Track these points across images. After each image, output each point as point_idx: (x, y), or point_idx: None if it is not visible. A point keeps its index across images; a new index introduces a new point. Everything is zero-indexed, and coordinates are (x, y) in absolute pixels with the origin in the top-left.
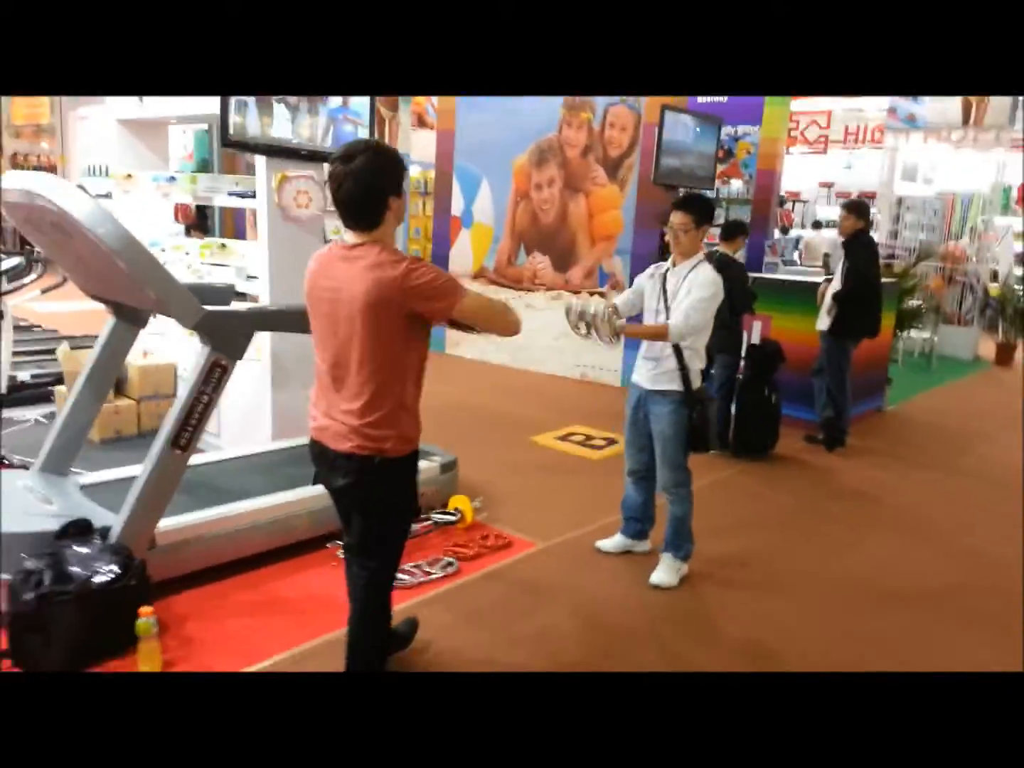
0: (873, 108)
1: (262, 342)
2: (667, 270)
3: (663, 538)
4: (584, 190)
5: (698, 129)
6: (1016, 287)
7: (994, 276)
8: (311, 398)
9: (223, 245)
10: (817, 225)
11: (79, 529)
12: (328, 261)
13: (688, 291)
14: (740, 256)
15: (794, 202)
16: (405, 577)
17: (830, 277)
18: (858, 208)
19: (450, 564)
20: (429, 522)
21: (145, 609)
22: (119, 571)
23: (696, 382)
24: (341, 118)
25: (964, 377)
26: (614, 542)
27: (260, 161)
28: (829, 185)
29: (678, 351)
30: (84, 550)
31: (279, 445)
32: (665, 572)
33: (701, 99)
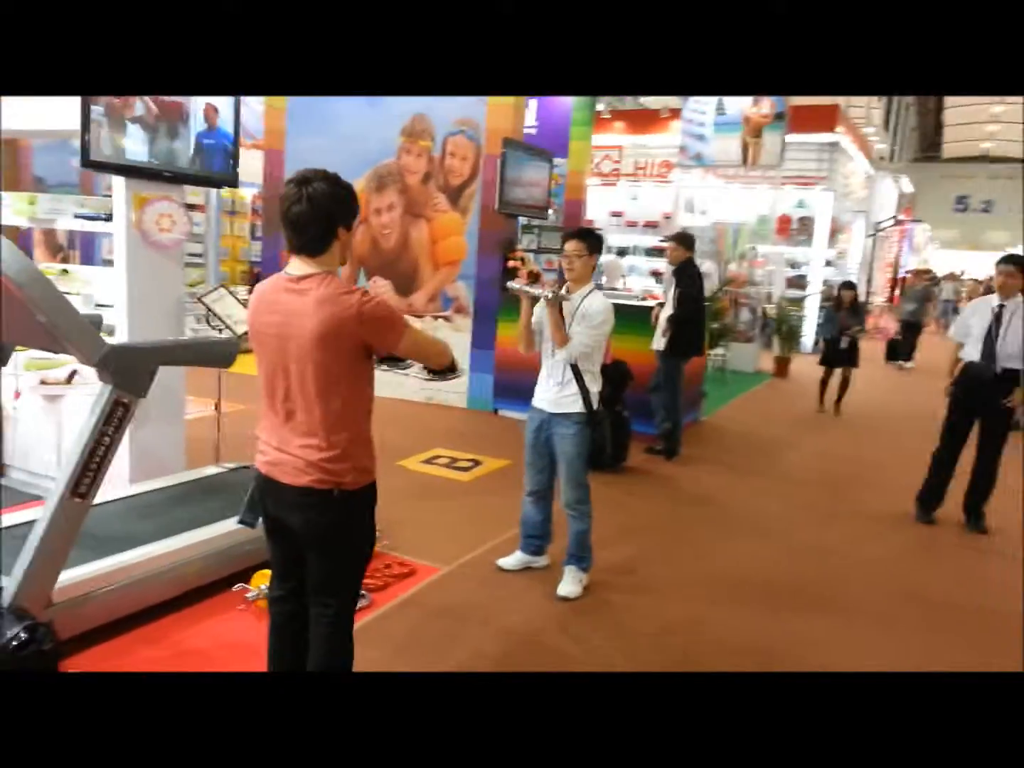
0: (656, 144)
1: None
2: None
3: (564, 552)
4: (426, 216)
5: (534, 161)
6: (789, 308)
7: (768, 298)
8: (260, 432)
9: (64, 271)
10: (622, 253)
11: None
12: (272, 294)
13: (583, 317)
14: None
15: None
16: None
17: (662, 302)
18: (684, 239)
19: (363, 596)
20: None
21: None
22: (26, 636)
23: (595, 403)
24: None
25: (753, 388)
26: (515, 559)
27: (118, 182)
28: (619, 214)
29: (578, 375)
30: None
31: (152, 486)
32: (571, 584)
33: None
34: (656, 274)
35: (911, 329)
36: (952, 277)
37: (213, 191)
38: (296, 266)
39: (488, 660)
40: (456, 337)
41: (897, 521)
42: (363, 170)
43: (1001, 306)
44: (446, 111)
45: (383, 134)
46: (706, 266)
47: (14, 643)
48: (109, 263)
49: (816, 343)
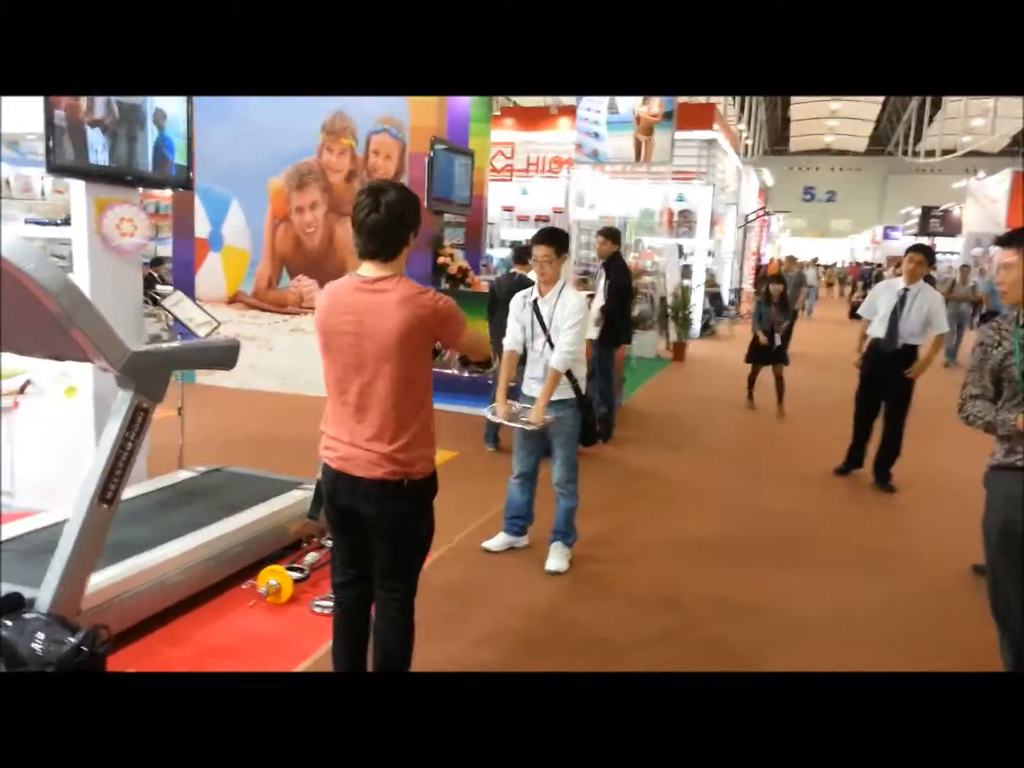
0: (546, 141)
1: (79, 379)
2: (536, 299)
3: (551, 530)
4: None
5: (459, 159)
6: (684, 296)
7: (664, 287)
8: (326, 429)
9: None
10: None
11: (6, 605)
12: (347, 295)
13: (563, 319)
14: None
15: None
16: (329, 603)
17: (592, 293)
18: (612, 234)
19: None
20: (325, 549)
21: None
22: (78, 642)
23: (583, 387)
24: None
25: (658, 373)
26: (499, 541)
27: (78, 187)
28: (510, 209)
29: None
30: (24, 626)
31: (132, 493)
32: (559, 559)
33: None
34: None
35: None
36: (813, 264)
37: None
38: (369, 269)
39: (511, 633)
40: None
41: (819, 481)
42: (280, 166)
43: (906, 289)
44: (367, 108)
45: (300, 128)
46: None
47: (76, 650)
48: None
49: (751, 346)
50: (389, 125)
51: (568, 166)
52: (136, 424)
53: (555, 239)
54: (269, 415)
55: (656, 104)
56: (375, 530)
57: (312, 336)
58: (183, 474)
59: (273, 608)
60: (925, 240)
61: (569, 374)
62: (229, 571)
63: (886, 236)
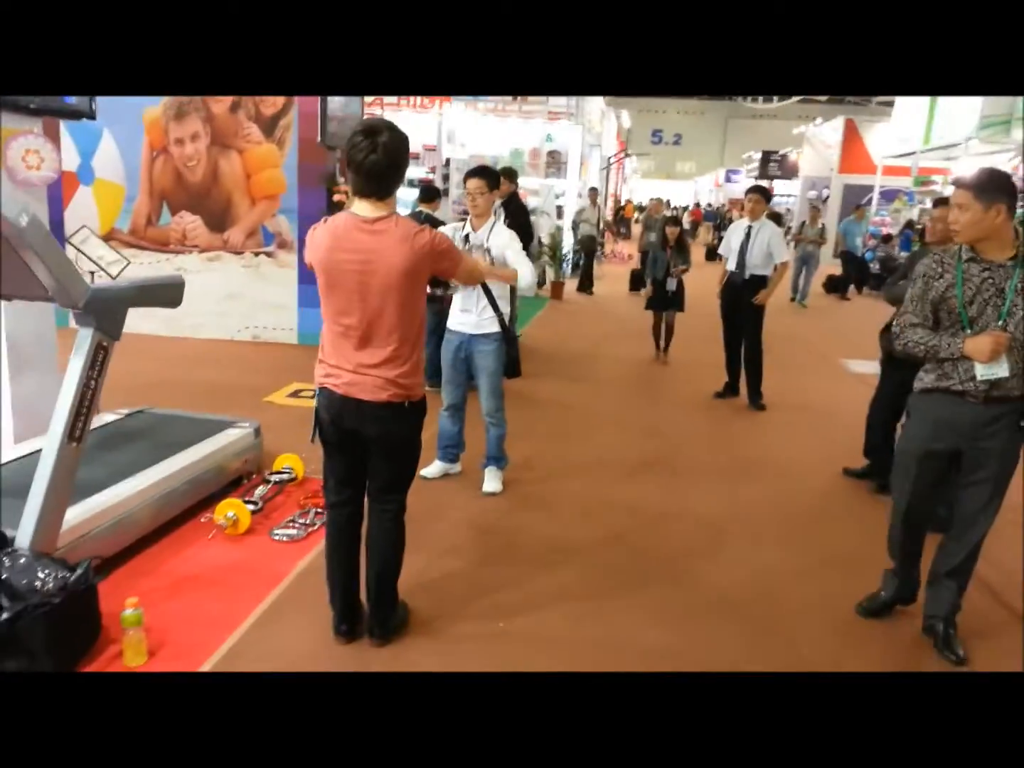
0: None
1: None
2: (467, 234)
3: (484, 455)
4: (237, 148)
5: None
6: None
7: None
8: (326, 359)
9: None
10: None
11: None
12: (348, 233)
13: (502, 247)
14: (439, 215)
15: None
16: (292, 531)
17: None
18: (510, 174)
19: (320, 513)
20: (271, 484)
21: (131, 600)
22: (68, 574)
23: (507, 323)
24: None
25: (540, 311)
26: (436, 468)
27: None
28: None
29: (492, 300)
30: (15, 562)
31: None
32: (495, 481)
33: None
34: None
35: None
36: (667, 205)
37: None
38: (365, 208)
39: (468, 544)
40: (281, 273)
41: (703, 404)
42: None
43: (750, 227)
44: None
45: None
46: None
47: (67, 582)
48: None
49: (645, 283)
50: None
51: (445, 102)
52: (98, 362)
53: (487, 174)
54: (162, 360)
55: None
56: (377, 448)
57: (197, 276)
58: (107, 416)
59: (233, 539)
60: (764, 183)
61: (496, 309)
62: (180, 508)
63: (728, 179)
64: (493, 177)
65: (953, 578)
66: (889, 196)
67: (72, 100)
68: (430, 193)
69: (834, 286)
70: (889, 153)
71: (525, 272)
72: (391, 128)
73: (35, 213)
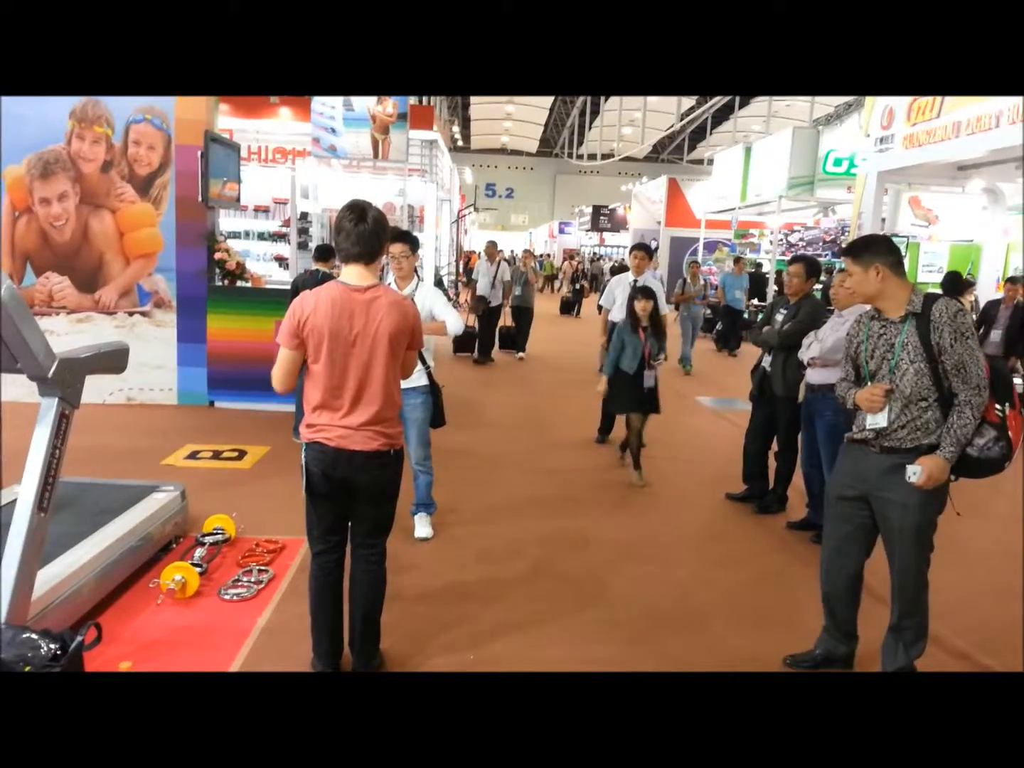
0: (266, 130)
1: None
2: None
3: (412, 503)
4: (109, 207)
5: (228, 152)
6: None
7: None
8: (320, 415)
9: None
10: (233, 236)
11: None
12: (344, 303)
13: (431, 304)
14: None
15: None
16: (240, 590)
17: None
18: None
19: (263, 571)
20: (206, 545)
21: (124, 664)
22: (57, 648)
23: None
24: None
25: None
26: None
27: None
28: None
29: (420, 354)
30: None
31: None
32: (425, 527)
33: None
34: (280, 259)
35: (523, 314)
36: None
37: None
38: (355, 276)
39: (407, 589)
40: (158, 332)
41: (587, 445)
42: (22, 154)
43: (635, 280)
44: (123, 98)
45: (44, 117)
46: None
47: (54, 655)
48: None
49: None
50: (151, 115)
51: (301, 157)
52: (61, 431)
53: (409, 239)
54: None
55: (391, 105)
56: (366, 495)
57: (65, 338)
58: (18, 488)
59: (182, 602)
60: (595, 235)
61: (424, 362)
62: (123, 576)
63: (561, 231)
64: (414, 242)
65: (892, 633)
66: (710, 247)
67: None
68: (326, 252)
69: (724, 340)
70: (711, 209)
71: (451, 321)
72: (373, 207)
73: (10, 284)
